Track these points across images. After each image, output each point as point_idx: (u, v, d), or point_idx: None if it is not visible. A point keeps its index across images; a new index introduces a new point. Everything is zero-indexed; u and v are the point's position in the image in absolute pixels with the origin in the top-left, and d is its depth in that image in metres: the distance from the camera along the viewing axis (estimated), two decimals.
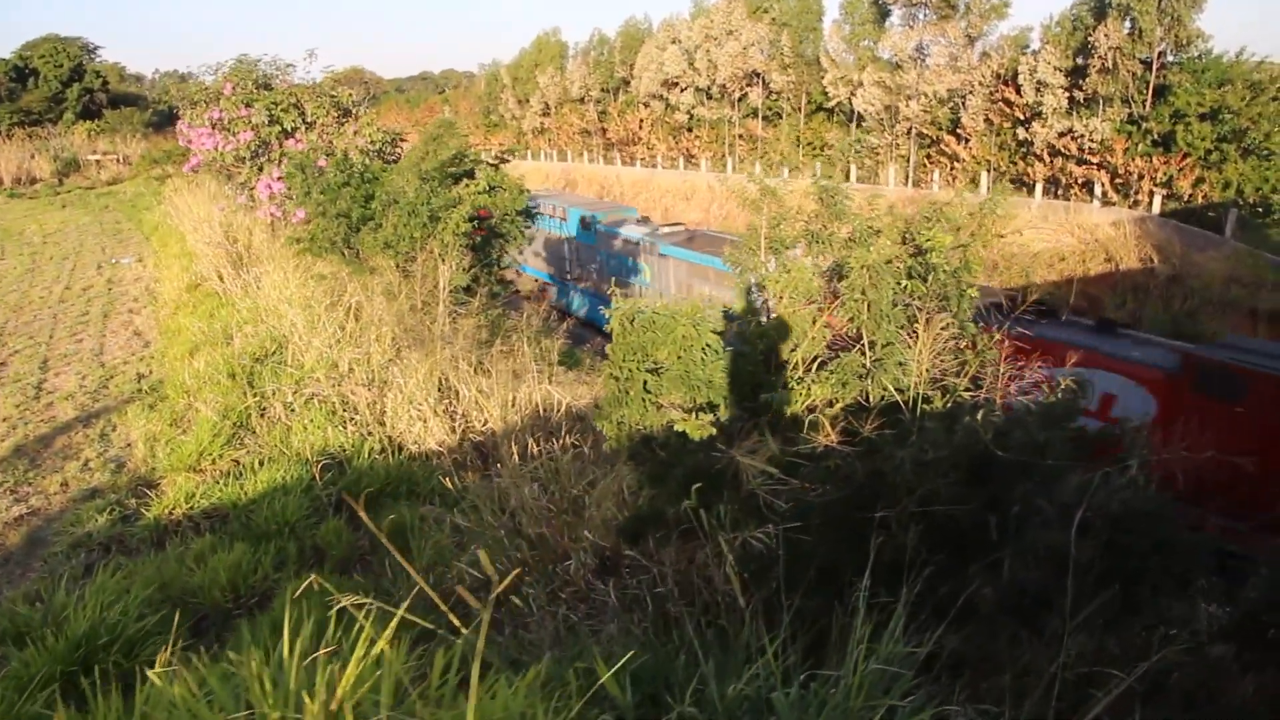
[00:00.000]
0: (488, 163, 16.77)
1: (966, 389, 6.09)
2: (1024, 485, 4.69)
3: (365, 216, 14.00)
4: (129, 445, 13.00)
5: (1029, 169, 35.22)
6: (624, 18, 69.10)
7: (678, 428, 5.62)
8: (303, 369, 13.39)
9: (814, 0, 45.76)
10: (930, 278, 6.60)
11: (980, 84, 36.11)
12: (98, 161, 63.69)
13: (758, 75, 46.68)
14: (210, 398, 12.64)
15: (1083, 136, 32.79)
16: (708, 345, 6.06)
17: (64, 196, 52.27)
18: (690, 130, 52.21)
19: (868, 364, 6.08)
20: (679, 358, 6.08)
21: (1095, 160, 32.69)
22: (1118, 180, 32.21)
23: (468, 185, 15.35)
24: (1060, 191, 34.42)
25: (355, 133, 21.80)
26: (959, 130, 37.84)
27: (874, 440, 5.00)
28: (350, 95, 22.62)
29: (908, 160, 40.46)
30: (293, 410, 12.26)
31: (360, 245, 13.76)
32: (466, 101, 78.50)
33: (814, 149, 45.68)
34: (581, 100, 60.63)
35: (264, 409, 12.43)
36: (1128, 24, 31.76)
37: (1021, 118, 35.19)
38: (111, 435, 13.68)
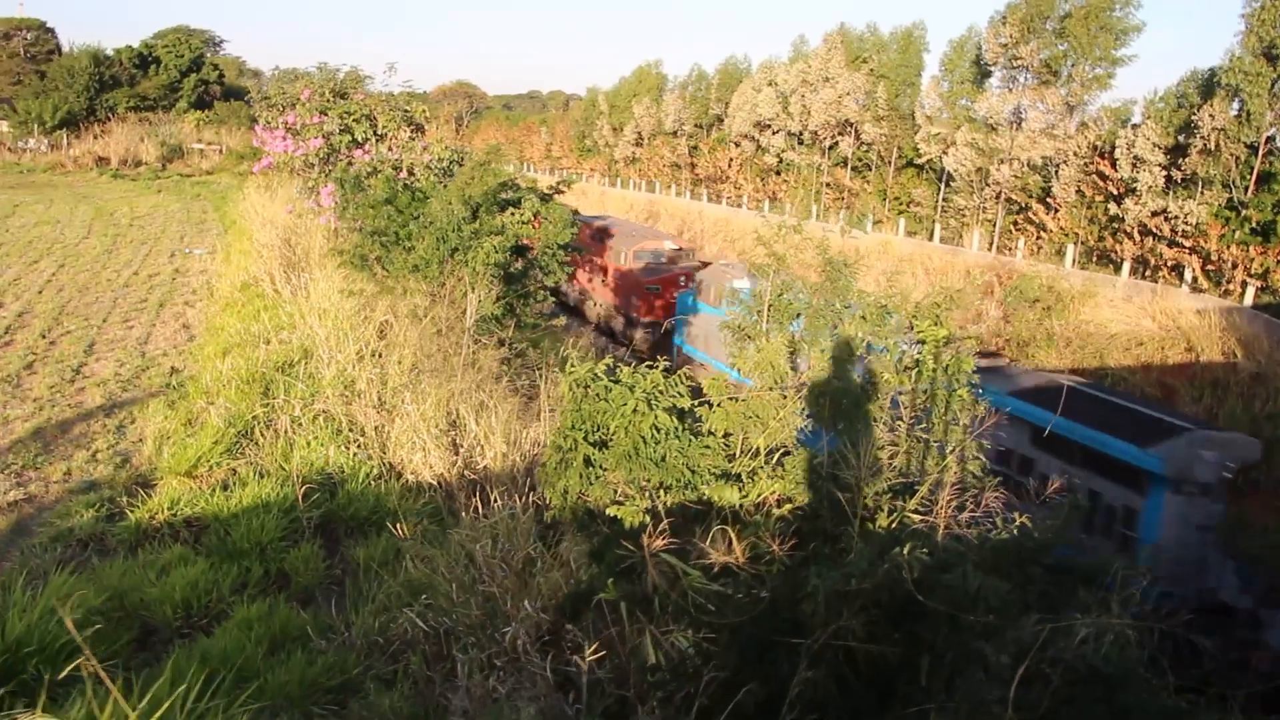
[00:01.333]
0: (539, 194, 16.60)
1: (919, 509, 5.53)
2: (957, 633, 4.17)
3: (400, 237, 13.91)
4: (140, 441, 13.01)
5: (1118, 246, 33.93)
6: (726, 55, 69.08)
7: (609, 511, 5.20)
8: (320, 383, 13.27)
9: (915, 54, 45.07)
10: (917, 374, 6.06)
11: (1075, 154, 35.00)
12: (201, 151, 65.81)
13: (850, 125, 46.09)
14: (221, 403, 12.57)
15: (1177, 218, 31.46)
16: (655, 425, 5.62)
17: (161, 181, 54.02)
18: (778, 173, 51.77)
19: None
20: (626, 432, 5.67)
21: (1188, 244, 31.33)
22: (1210, 267, 30.80)
23: (513, 214, 15.16)
24: (1148, 272, 33.05)
25: (424, 149, 21.85)
26: (1049, 199, 36.70)
27: (787, 562, 4.52)
28: (423, 110, 22.73)
29: (994, 225, 39.40)
30: (299, 425, 12.12)
31: (390, 265, 13.66)
32: (563, 124, 79.28)
33: (900, 204, 44.84)
34: (674, 133, 60.70)
35: (271, 420, 12.31)
36: (1235, 105, 30.44)
37: (1115, 192, 33.97)
38: (128, 428, 13.74)
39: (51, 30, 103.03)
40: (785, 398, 5.88)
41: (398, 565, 8.89)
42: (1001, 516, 5.63)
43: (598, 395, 5.73)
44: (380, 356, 13.72)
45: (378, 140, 22.25)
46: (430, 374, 13.22)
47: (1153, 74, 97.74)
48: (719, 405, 5.92)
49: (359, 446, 11.87)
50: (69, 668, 7.05)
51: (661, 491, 5.51)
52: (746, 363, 6.15)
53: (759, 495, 5.49)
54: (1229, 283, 30.11)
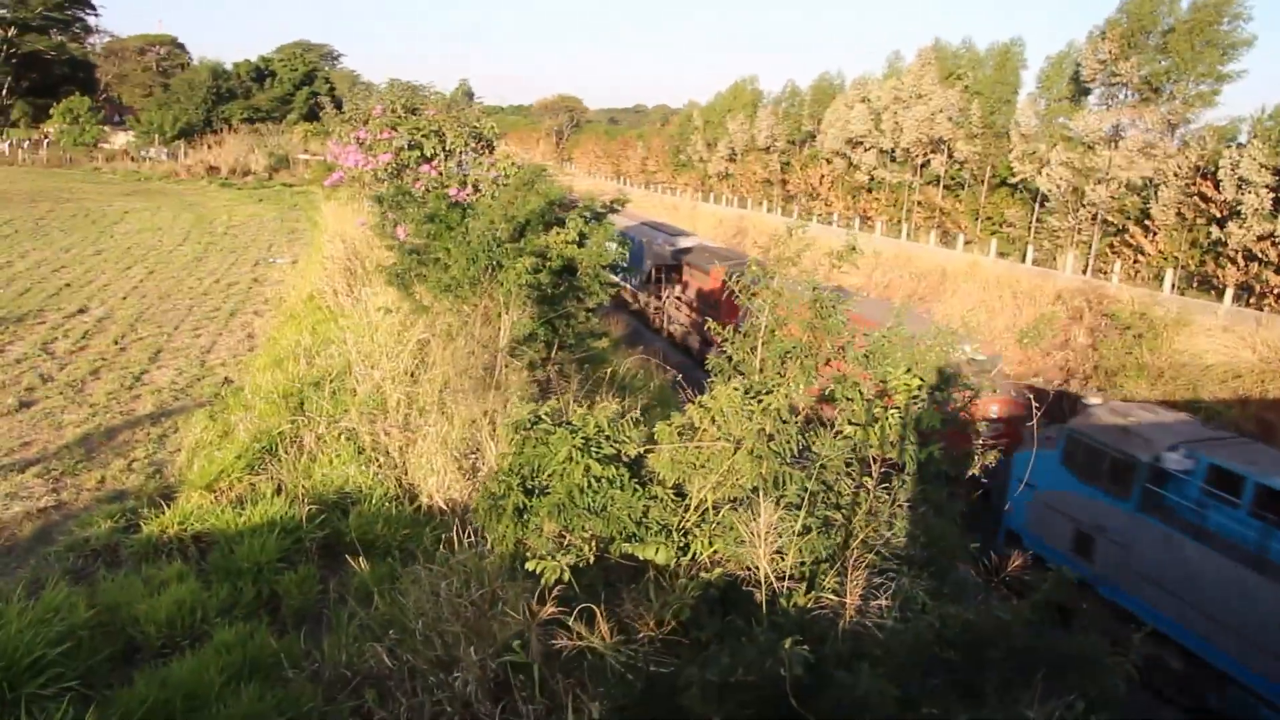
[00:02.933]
0: (593, 212, 16.46)
1: (834, 586, 5.10)
2: None
3: (436, 255, 13.93)
4: (177, 452, 13.29)
5: (1220, 271, 32.20)
6: (820, 72, 68.27)
7: (528, 564, 4.98)
8: (353, 400, 13.35)
9: (1011, 71, 43.70)
10: (879, 429, 5.63)
11: (1176, 174, 33.38)
12: (305, 161, 67.88)
13: (943, 142, 44.94)
14: (250, 417, 12.75)
15: None
16: (589, 472, 5.37)
17: (264, 191, 55.85)
18: (869, 191, 50.83)
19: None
20: (561, 480, 5.43)
21: None
22: None
23: (557, 233, 15.06)
24: (1253, 300, 31.25)
25: (491, 165, 21.96)
26: (1147, 221, 35.08)
27: (664, 647, 4.22)
28: (492, 126, 22.86)
29: (1089, 247, 37.87)
30: (324, 442, 12.19)
31: (427, 283, 13.68)
32: (659, 139, 79.41)
33: (993, 224, 43.49)
34: (767, 149, 60.17)
35: (298, 437, 12.41)
36: None
37: (1217, 215, 32.27)
38: (170, 438, 14.06)
39: (182, 46, 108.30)
40: (737, 447, 5.51)
41: (393, 592, 8.81)
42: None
43: (538, 440, 5.51)
44: (414, 376, 13.74)
45: (447, 156, 22.45)
46: (461, 395, 13.17)
47: (1265, 90, 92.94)
48: (662, 452, 5.61)
49: (379, 466, 11.86)
50: (35, 684, 7.25)
51: (594, 544, 5.24)
52: (695, 410, 5.80)
53: (692, 555, 5.17)
54: None
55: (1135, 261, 35.67)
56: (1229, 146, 32.34)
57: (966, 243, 42.37)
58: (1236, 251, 31.47)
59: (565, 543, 5.30)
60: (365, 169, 22.38)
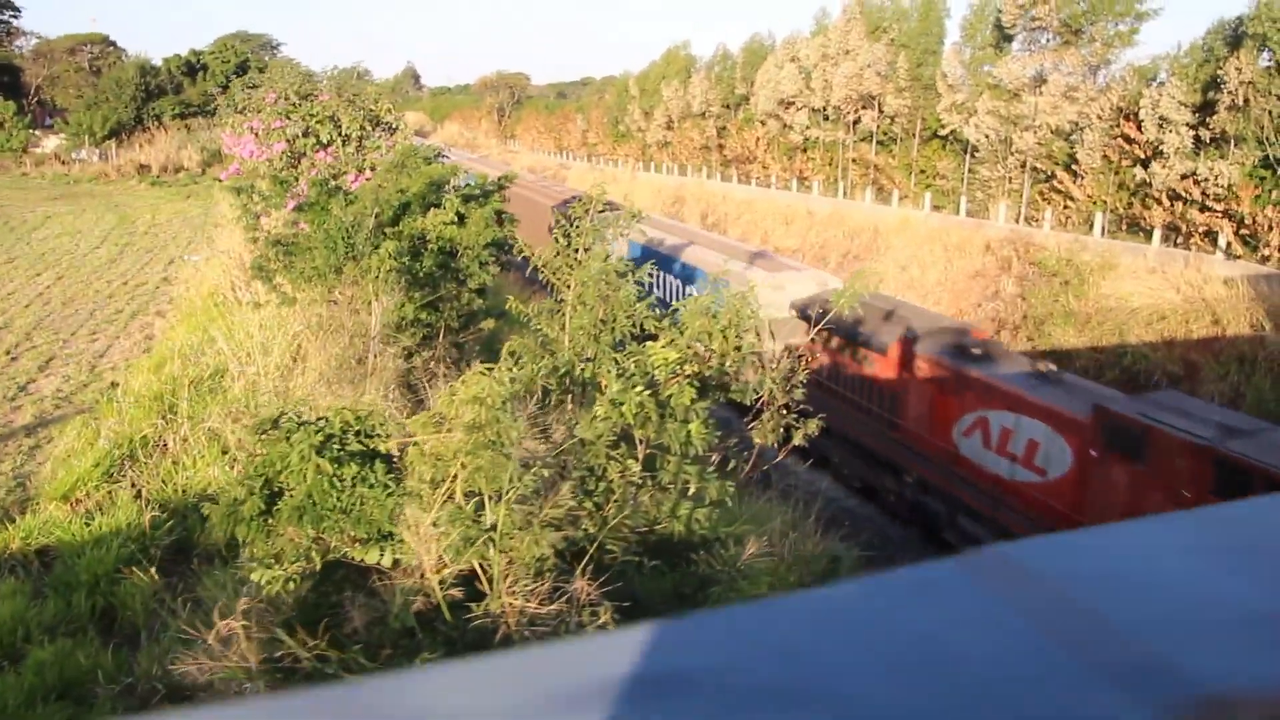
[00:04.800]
0: (480, 191, 16.05)
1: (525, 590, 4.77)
2: None
3: (300, 245, 13.49)
4: (45, 463, 12.85)
5: (1147, 213, 32.20)
6: (751, 33, 67.60)
7: (247, 572, 4.65)
8: (226, 400, 12.95)
9: (936, 21, 43.43)
10: (631, 408, 5.28)
11: (1099, 117, 33.28)
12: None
13: (873, 98, 44.64)
14: (113, 423, 12.32)
15: (1207, 180, 29.68)
16: (334, 474, 5.03)
17: (194, 187, 54.72)
18: (805, 151, 50.50)
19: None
20: (302, 481, 5.10)
21: (1219, 207, 29.54)
22: (1245, 231, 29.01)
23: (434, 215, 14.64)
24: (1181, 240, 31.29)
25: (390, 148, 21.44)
26: (1074, 167, 35.02)
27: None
28: (389, 109, 22.32)
29: (1021, 196, 37.80)
30: (188, 444, 11.80)
31: (289, 274, 13.24)
32: (598, 110, 78.56)
33: (927, 178, 43.32)
34: (703, 115, 59.65)
35: (161, 440, 12.01)
36: (1265, 56, 28.59)
37: (1142, 156, 32.22)
38: (44, 448, 13.60)
39: (115, 44, 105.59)
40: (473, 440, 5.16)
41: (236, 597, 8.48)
42: None
43: (279, 439, 5.18)
44: (290, 370, 13.35)
45: (344, 142, 21.89)
46: (337, 386, 12.80)
47: (1190, 26, 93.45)
48: (412, 447, 5.29)
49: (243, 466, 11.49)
50: None
51: (321, 549, 4.93)
52: (443, 399, 5.45)
53: (433, 556, 4.84)
54: (1266, 248, 28.33)
55: (1065, 208, 35.63)
56: (1150, 86, 32.26)
57: (901, 198, 42.22)
58: (1161, 192, 31.44)
59: (303, 549, 4.99)
60: (260, 160, 21.78)
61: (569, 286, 7.04)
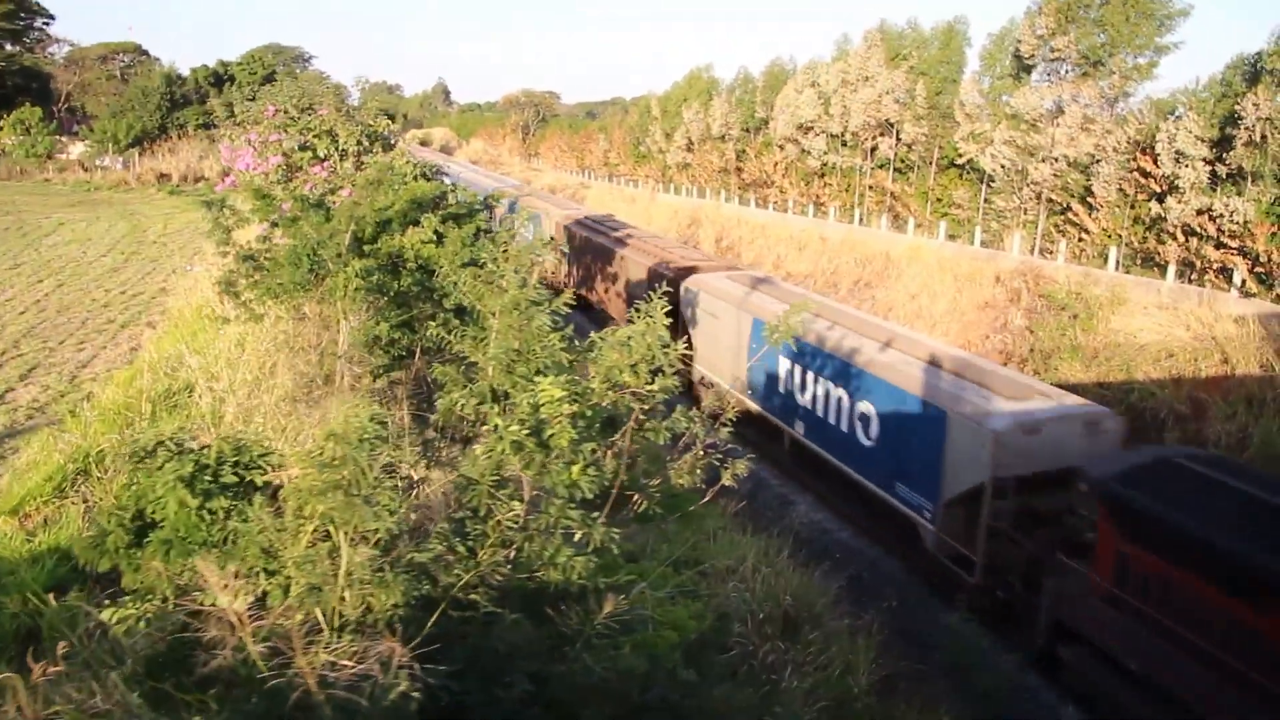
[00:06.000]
0: (470, 209, 15.87)
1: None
2: None
3: (268, 262, 13.29)
4: (4, 475, 12.66)
5: (1161, 248, 31.63)
6: (772, 58, 67.43)
7: (103, 614, 4.37)
8: (190, 415, 12.74)
9: (956, 50, 43.13)
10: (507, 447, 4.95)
11: (1115, 150, 32.81)
12: None
13: (890, 124, 44.34)
14: (74, 435, 12.13)
15: (1222, 216, 29.13)
16: (203, 506, 4.74)
17: (212, 197, 54.99)
18: (822, 176, 50.22)
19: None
20: (173, 514, 4.81)
21: (1234, 244, 28.96)
22: (1260, 269, 28.40)
23: (413, 233, 14.43)
24: (1195, 277, 30.69)
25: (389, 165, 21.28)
26: (1090, 199, 34.52)
27: None
28: (387, 125, 22.21)
29: (1036, 227, 37.32)
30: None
31: (256, 289, 13.04)
32: (620, 130, 78.63)
33: (942, 206, 42.91)
34: (722, 138, 59.53)
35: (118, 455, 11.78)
36: None
37: (1158, 190, 31.69)
38: (10, 460, 13.43)
39: (147, 54, 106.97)
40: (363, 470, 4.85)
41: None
42: None
43: (151, 470, 4.90)
44: (256, 386, 13.13)
45: (341, 157, 21.79)
46: (303, 405, 12.57)
47: (1208, 61, 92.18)
48: (295, 480, 5.00)
49: None
50: None
51: (174, 588, 4.65)
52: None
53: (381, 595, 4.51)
54: None
55: (1080, 240, 35.11)
56: (1168, 119, 31.78)
57: (917, 226, 41.79)
58: (1176, 226, 30.89)
59: (161, 588, 4.72)
60: (257, 172, 21.70)
61: (494, 314, 6.78)
